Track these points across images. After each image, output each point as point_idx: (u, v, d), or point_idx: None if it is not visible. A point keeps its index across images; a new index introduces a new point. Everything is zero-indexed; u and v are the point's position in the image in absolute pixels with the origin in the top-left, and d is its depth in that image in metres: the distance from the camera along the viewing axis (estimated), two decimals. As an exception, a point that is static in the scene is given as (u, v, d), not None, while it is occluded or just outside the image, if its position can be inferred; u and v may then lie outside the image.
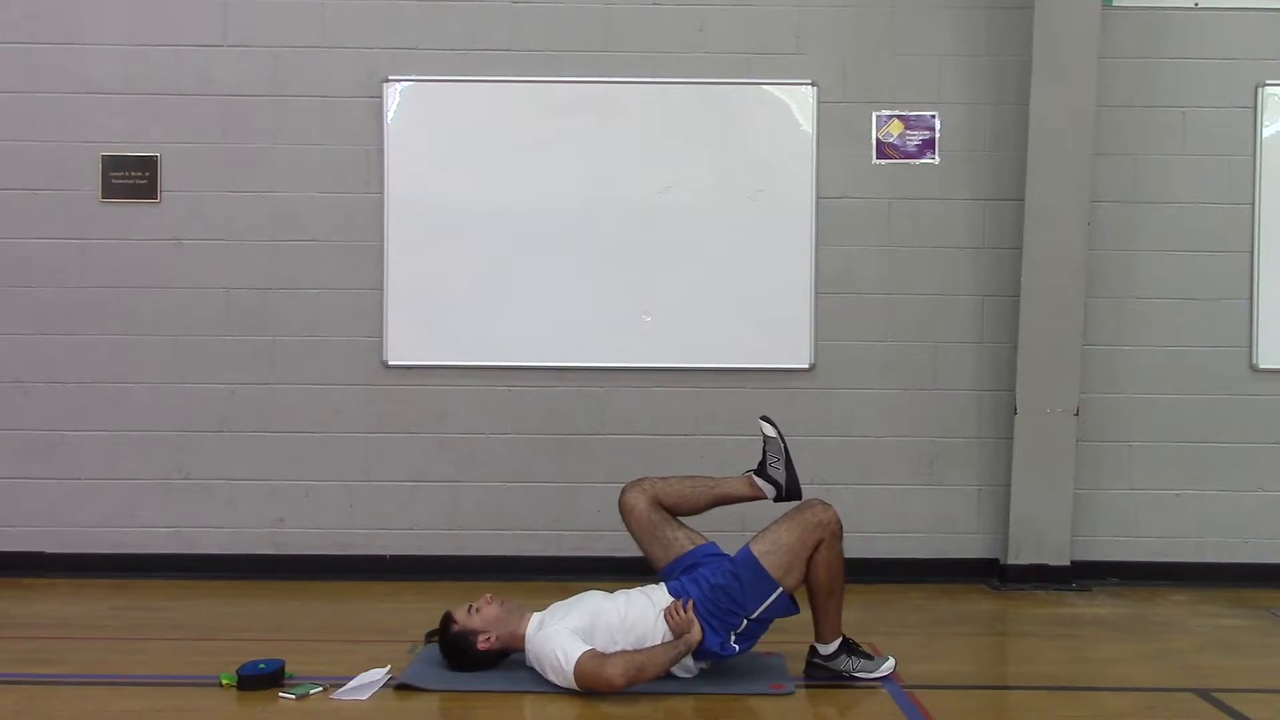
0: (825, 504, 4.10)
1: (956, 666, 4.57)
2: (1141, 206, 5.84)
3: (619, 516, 4.34)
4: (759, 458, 4.30)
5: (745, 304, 5.78)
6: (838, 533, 4.05)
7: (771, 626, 4.12)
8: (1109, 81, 5.71)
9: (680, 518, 4.33)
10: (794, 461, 4.24)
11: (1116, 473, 5.86)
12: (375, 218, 5.77)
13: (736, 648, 4.06)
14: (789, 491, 4.23)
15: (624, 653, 3.94)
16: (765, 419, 4.30)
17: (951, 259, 5.84)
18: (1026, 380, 5.68)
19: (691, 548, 4.24)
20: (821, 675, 4.18)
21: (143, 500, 5.79)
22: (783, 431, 4.26)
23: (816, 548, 4.02)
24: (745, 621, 4.04)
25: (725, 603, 4.02)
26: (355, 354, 5.81)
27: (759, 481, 4.26)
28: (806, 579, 4.06)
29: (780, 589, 4.02)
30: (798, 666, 4.24)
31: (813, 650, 4.20)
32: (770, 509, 4.26)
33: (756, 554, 4.04)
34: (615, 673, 3.85)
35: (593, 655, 3.88)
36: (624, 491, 4.35)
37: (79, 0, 5.75)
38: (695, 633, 3.98)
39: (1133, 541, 5.86)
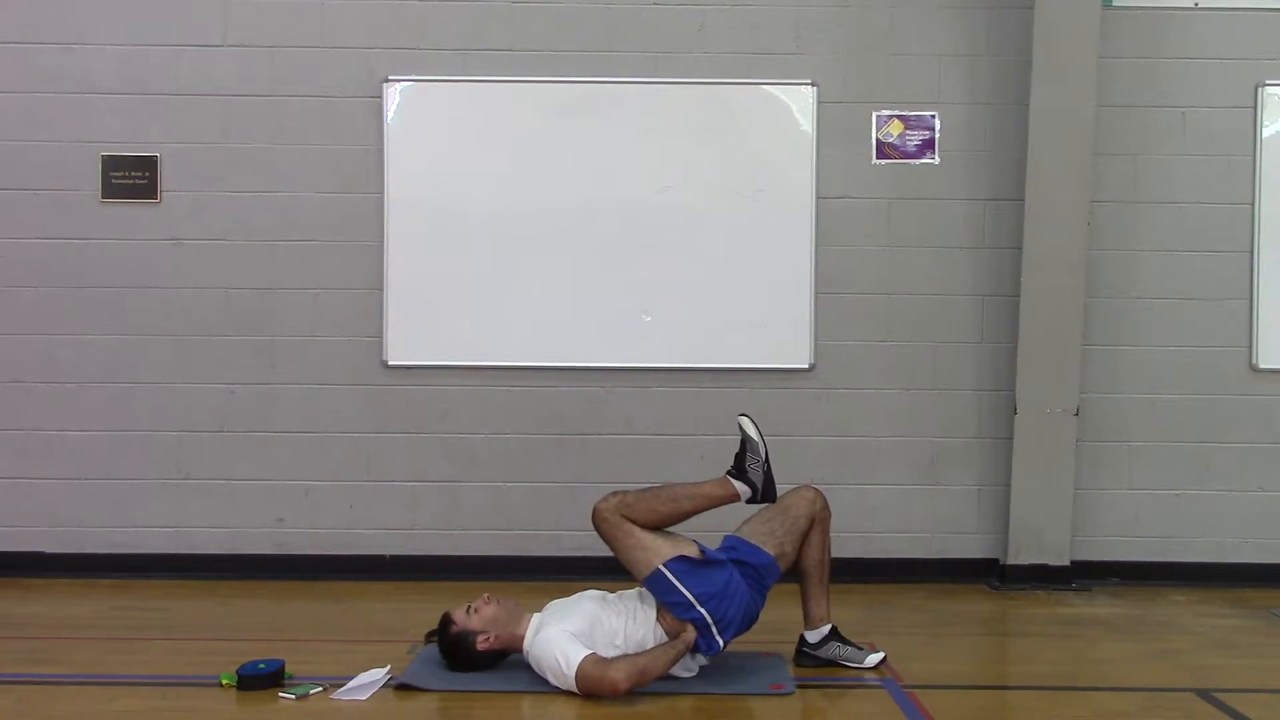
0: (812, 487, 4.19)
1: (956, 666, 4.57)
2: (1141, 206, 5.83)
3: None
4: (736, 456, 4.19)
5: (745, 304, 5.78)
6: (827, 514, 4.15)
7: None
8: (1109, 81, 5.71)
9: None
10: (773, 463, 4.14)
11: (1116, 473, 5.85)
12: (375, 218, 5.77)
13: (720, 641, 4.02)
14: (764, 494, 4.12)
15: (626, 656, 3.94)
16: (745, 416, 4.18)
17: (951, 259, 5.84)
18: (1026, 380, 5.68)
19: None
20: (810, 664, 4.23)
21: (143, 500, 5.79)
22: (772, 431, 4.24)
23: (809, 529, 4.11)
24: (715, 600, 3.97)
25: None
26: (355, 354, 5.81)
27: (735, 483, 4.13)
28: (798, 561, 4.13)
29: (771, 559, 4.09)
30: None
31: (801, 639, 4.25)
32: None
33: (744, 534, 4.13)
34: (619, 677, 3.83)
35: (595, 660, 3.86)
36: (593, 513, 4.15)
37: (79, 0, 5.75)
38: (690, 631, 3.99)
39: (1133, 541, 5.86)
